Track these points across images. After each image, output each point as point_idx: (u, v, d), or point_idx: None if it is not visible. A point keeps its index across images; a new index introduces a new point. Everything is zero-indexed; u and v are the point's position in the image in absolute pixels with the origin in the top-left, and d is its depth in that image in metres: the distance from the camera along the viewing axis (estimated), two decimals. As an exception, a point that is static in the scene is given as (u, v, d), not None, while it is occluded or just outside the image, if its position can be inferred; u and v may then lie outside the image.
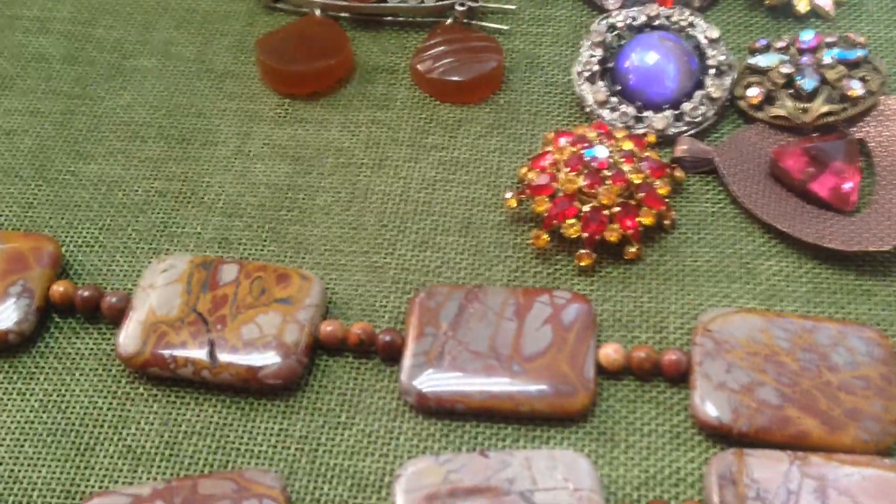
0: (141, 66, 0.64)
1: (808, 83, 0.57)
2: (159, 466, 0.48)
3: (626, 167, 0.54)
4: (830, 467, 0.44)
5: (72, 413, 0.49)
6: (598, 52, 0.61)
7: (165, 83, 0.63)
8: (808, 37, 0.59)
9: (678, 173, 0.56)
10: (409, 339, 0.50)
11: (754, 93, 0.58)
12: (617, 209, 0.53)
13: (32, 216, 0.57)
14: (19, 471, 0.48)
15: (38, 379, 0.50)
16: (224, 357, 0.49)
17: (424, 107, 0.61)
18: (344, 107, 0.62)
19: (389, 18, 0.66)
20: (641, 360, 0.49)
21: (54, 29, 0.67)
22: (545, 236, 0.54)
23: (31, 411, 0.49)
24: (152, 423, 0.49)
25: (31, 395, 0.50)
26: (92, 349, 0.51)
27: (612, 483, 0.46)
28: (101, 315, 0.52)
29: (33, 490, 0.47)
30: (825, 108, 0.56)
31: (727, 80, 0.59)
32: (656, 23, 0.61)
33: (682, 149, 0.57)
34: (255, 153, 0.59)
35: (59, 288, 0.52)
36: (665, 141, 0.58)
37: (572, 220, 0.53)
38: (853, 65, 0.58)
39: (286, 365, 0.49)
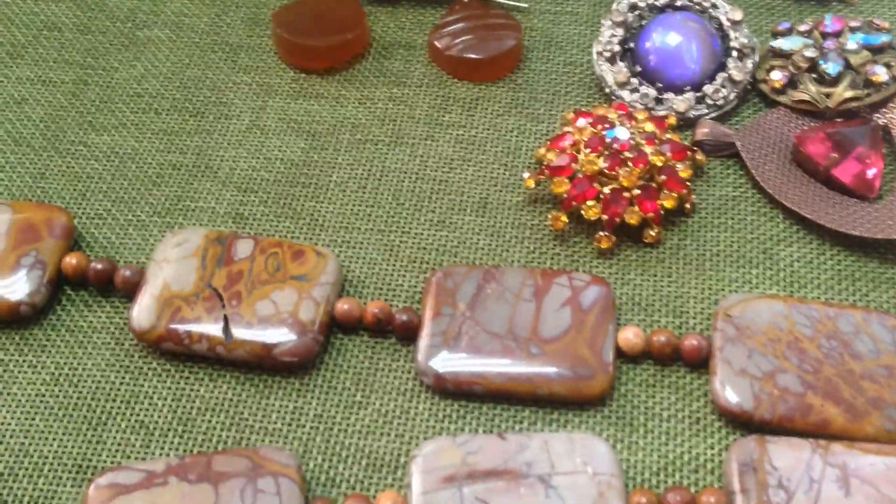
0: (154, 37, 0.63)
1: (832, 68, 0.56)
2: (172, 442, 0.47)
3: (647, 149, 0.53)
4: (853, 456, 0.44)
5: (84, 387, 0.49)
6: (619, 32, 0.60)
7: (179, 55, 0.62)
8: (831, 20, 0.58)
9: (699, 156, 0.55)
10: (425, 319, 0.49)
11: (777, 76, 0.57)
12: (637, 192, 0.53)
13: (44, 187, 0.56)
14: (30, 444, 0.47)
15: (50, 352, 0.50)
16: (239, 333, 0.48)
17: (441, 84, 0.61)
18: (360, 82, 0.61)
19: (407, -6, 0.65)
20: (662, 344, 0.48)
21: (66, -3, 0.66)
22: (564, 218, 0.53)
23: (42, 384, 0.49)
24: (165, 399, 0.48)
25: (42, 368, 0.49)
26: (105, 323, 0.51)
27: (631, 468, 0.46)
28: (115, 288, 0.51)
29: (44, 464, 0.46)
30: (849, 94, 0.56)
31: (749, 63, 0.58)
32: (678, 3, 0.61)
33: (703, 132, 0.56)
34: (270, 128, 0.59)
35: (71, 260, 0.51)
36: (686, 124, 0.58)
37: (592, 202, 0.53)
38: (877, 50, 0.57)
39: (302, 342, 0.48)
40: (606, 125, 0.54)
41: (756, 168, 0.55)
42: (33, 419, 0.48)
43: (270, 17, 0.62)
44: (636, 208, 0.52)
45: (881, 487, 0.43)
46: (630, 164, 0.53)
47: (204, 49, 0.63)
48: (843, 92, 0.56)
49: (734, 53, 0.58)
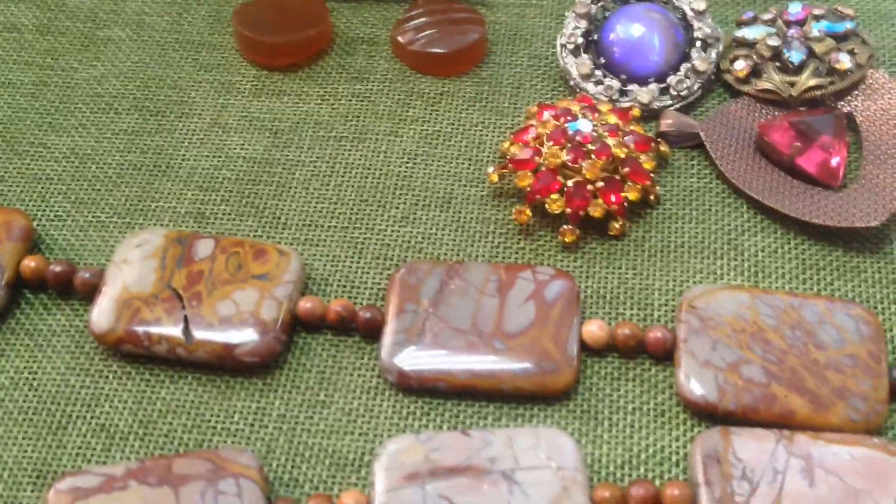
0: (114, 37, 0.63)
1: (795, 56, 0.56)
2: (133, 445, 0.46)
3: (610, 141, 0.53)
4: (818, 446, 0.44)
5: (44, 391, 0.48)
6: (583, 25, 0.60)
7: (139, 54, 0.62)
8: (795, 9, 0.58)
9: (663, 148, 0.55)
10: (389, 316, 0.49)
11: (741, 66, 0.57)
12: (601, 184, 0.52)
13: (3, 189, 0.55)
14: (-11, 450, 0.46)
15: (10, 356, 0.49)
16: (199, 334, 0.48)
17: (405, 79, 0.60)
18: (323, 79, 0.60)
19: (370, -11, 0.65)
20: (626, 337, 0.48)
21: (26, -2, 0.65)
22: (528, 211, 0.53)
23: (1, 389, 0.48)
24: (126, 402, 0.48)
25: (1, 372, 0.49)
26: (64, 325, 0.50)
27: (596, 462, 0.46)
28: (74, 291, 0.51)
29: (3, 469, 0.46)
30: (812, 82, 0.56)
31: (713, 53, 0.58)
32: (642, -6, 0.60)
33: (667, 123, 0.56)
34: (232, 126, 0.58)
35: (30, 263, 0.50)
36: (650, 115, 0.57)
37: (556, 195, 0.52)
38: (841, 37, 0.57)
39: (263, 342, 0.48)
40: (569, 118, 0.54)
41: (720, 158, 0.55)
42: (-7, 424, 0.47)
43: (232, 14, 0.62)
44: (600, 201, 0.52)
45: (846, 478, 0.43)
46: (593, 156, 0.52)
47: (165, 48, 0.62)
48: (806, 80, 0.56)
49: (698, 44, 0.58)
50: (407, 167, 0.56)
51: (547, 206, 0.52)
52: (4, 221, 0.52)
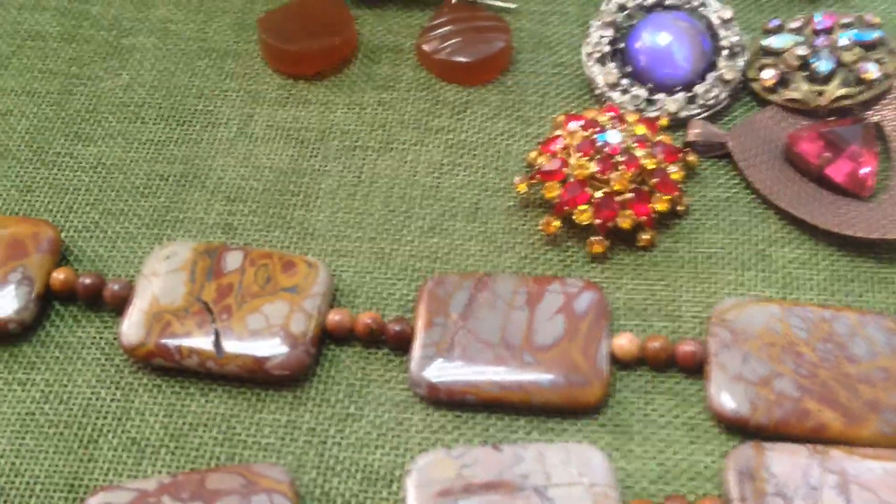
0: (139, 45, 0.63)
1: (823, 65, 0.56)
2: (164, 459, 0.47)
3: (639, 152, 0.53)
4: (852, 461, 0.43)
5: (74, 404, 0.48)
6: (609, 33, 0.59)
7: (165, 63, 0.62)
8: (823, 16, 0.58)
9: (691, 158, 0.55)
10: (418, 329, 0.49)
11: (768, 75, 0.57)
12: (630, 195, 0.52)
13: (31, 200, 0.55)
14: (21, 464, 0.46)
15: (40, 369, 0.49)
16: (230, 347, 0.48)
17: (430, 88, 0.60)
18: (348, 87, 0.60)
19: (394, -4, 0.65)
20: (656, 350, 0.48)
21: (50, 6, 0.65)
22: (556, 223, 0.53)
23: (32, 402, 0.48)
24: (157, 415, 0.48)
25: (32, 385, 0.49)
26: (94, 338, 0.50)
27: (628, 477, 0.46)
28: (104, 303, 0.51)
29: (35, 483, 0.46)
30: (841, 91, 0.55)
31: (740, 62, 0.58)
32: (668, 2, 0.60)
33: (694, 132, 0.56)
34: (258, 135, 0.58)
35: (59, 275, 0.51)
36: (677, 124, 0.57)
37: (584, 207, 0.52)
38: (869, 46, 0.57)
39: (293, 355, 0.48)
40: (597, 128, 0.54)
41: (748, 168, 0.54)
42: (24, 438, 0.47)
43: (256, 23, 0.62)
44: (629, 212, 0.52)
45: (880, 493, 0.43)
46: (621, 167, 0.52)
47: (190, 56, 0.62)
48: (834, 90, 0.55)
49: (724, 52, 0.58)
50: (433, 177, 0.56)
51: (575, 217, 0.52)
52: (33, 233, 0.52)
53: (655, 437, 0.47)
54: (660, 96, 0.57)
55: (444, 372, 0.48)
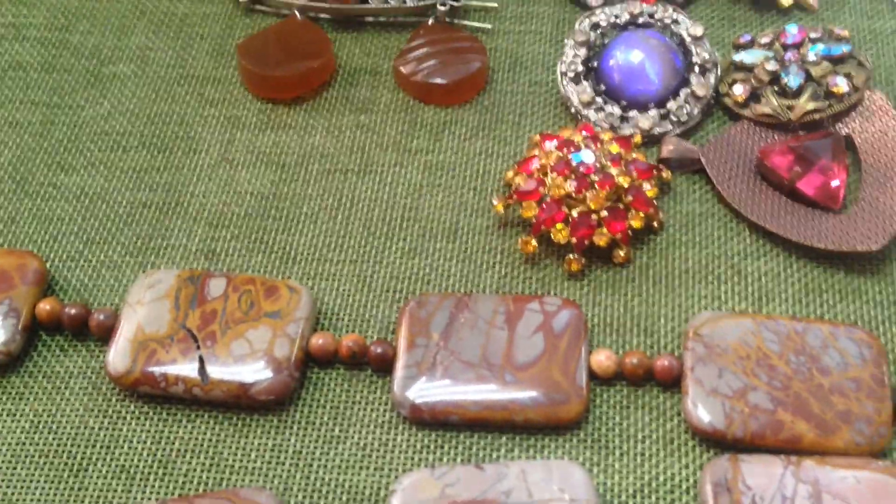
0: (119, 73, 0.63)
1: (793, 80, 0.57)
2: (153, 486, 0.47)
3: (613, 170, 0.54)
4: (825, 471, 0.45)
5: (63, 433, 0.49)
6: (582, 52, 0.60)
7: (145, 90, 0.62)
8: (793, 31, 0.59)
9: (665, 174, 0.56)
10: (400, 350, 0.50)
11: (739, 90, 0.58)
12: (605, 213, 0.53)
13: (15, 231, 0.56)
14: (13, 493, 0.47)
15: (28, 399, 0.50)
16: (215, 374, 0.48)
17: (408, 109, 0.61)
18: (327, 111, 0.61)
19: (371, 19, 0.65)
20: (634, 366, 0.49)
21: (30, 36, 0.66)
22: (533, 242, 0.54)
23: (21, 432, 0.49)
24: (145, 442, 0.49)
25: (21, 416, 0.49)
26: (81, 367, 0.51)
27: (608, 491, 0.47)
28: (90, 332, 0.51)
29: (26, 513, 0.47)
30: (811, 105, 0.56)
31: (712, 78, 0.59)
32: (640, 20, 0.61)
33: (668, 149, 0.57)
34: (239, 161, 0.59)
35: (45, 306, 0.51)
36: (651, 140, 0.58)
37: (560, 226, 0.53)
38: (838, 60, 0.58)
39: (278, 380, 0.49)
40: (572, 148, 0.55)
41: (721, 183, 0.55)
42: (15, 468, 0.48)
43: (235, 49, 0.62)
44: (604, 230, 0.53)
45: (852, 502, 0.44)
46: (596, 186, 0.53)
47: (170, 83, 0.63)
48: (804, 104, 0.57)
49: (696, 69, 0.59)
50: (413, 198, 0.57)
51: (552, 235, 0.53)
52: (18, 265, 0.52)
53: (634, 451, 0.48)
54: (633, 113, 0.58)
55: (426, 392, 0.48)
